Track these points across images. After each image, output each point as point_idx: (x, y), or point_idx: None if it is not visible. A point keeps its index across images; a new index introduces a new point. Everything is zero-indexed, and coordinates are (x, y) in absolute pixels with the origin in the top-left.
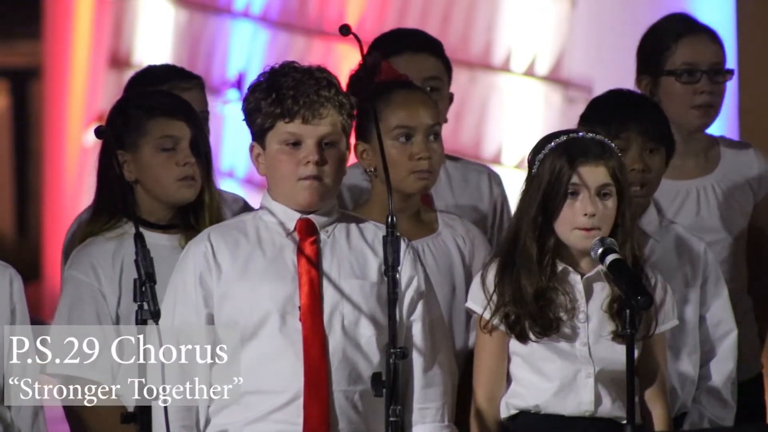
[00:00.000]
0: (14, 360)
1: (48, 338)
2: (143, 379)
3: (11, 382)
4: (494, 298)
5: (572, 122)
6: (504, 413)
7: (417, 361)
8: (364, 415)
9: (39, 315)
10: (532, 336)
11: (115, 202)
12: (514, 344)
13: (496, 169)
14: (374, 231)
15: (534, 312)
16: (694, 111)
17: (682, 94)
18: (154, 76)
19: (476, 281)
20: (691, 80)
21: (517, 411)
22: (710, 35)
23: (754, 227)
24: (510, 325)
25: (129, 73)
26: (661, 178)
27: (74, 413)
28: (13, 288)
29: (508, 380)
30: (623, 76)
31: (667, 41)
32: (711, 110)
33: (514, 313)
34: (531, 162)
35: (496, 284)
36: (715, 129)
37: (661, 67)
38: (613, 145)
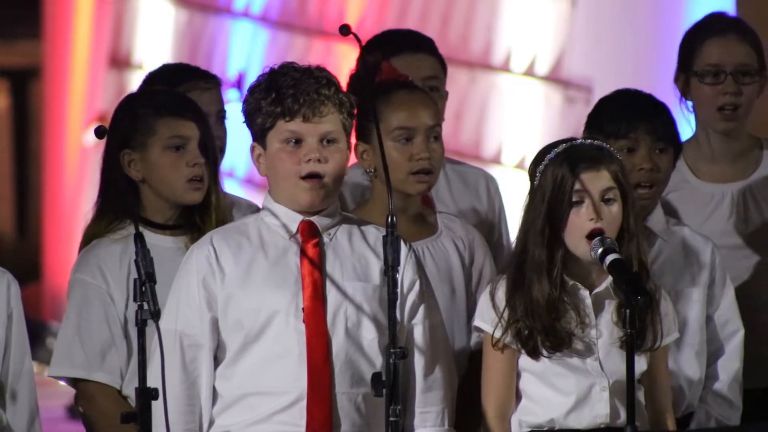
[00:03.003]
0: (11, 365)
1: (56, 341)
2: (143, 379)
3: (7, 386)
4: (505, 315)
5: (572, 122)
6: (515, 430)
7: (418, 365)
8: (367, 417)
9: (39, 315)
10: (544, 352)
11: (119, 202)
12: (525, 361)
13: (496, 169)
14: (376, 234)
15: (546, 325)
16: (718, 113)
17: (708, 95)
18: (172, 74)
19: (485, 299)
20: (715, 81)
21: (530, 429)
22: (740, 36)
23: None
24: (523, 340)
25: (129, 74)
26: (669, 179)
27: (83, 416)
28: (11, 293)
29: (518, 396)
30: (623, 76)
31: (696, 42)
32: (736, 112)
33: (526, 327)
34: (532, 174)
35: (507, 300)
36: None
37: (691, 67)
38: (612, 148)
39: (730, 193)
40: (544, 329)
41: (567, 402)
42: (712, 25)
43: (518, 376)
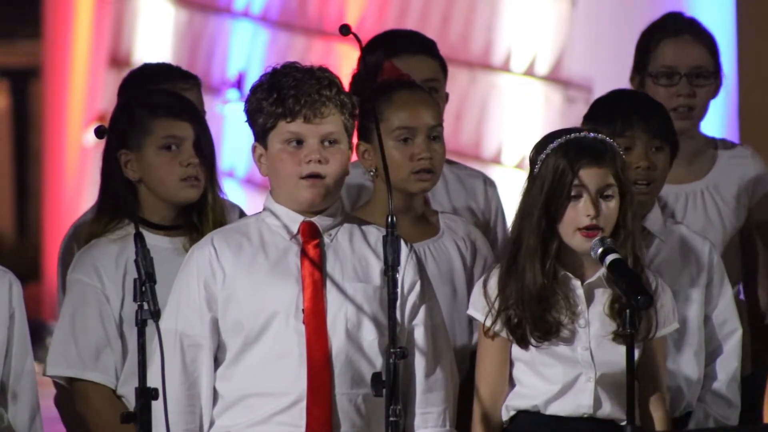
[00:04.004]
0: (12, 363)
1: (51, 340)
2: (143, 379)
3: (9, 386)
4: (496, 304)
5: (572, 122)
6: (504, 416)
7: (419, 365)
8: (367, 418)
9: (39, 315)
10: (532, 341)
11: (118, 202)
12: (516, 350)
13: (496, 169)
14: (377, 234)
15: (535, 315)
16: (671, 113)
17: (662, 96)
18: (152, 74)
19: (477, 288)
20: (670, 83)
21: (516, 411)
22: (696, 37)
23: (747, 230)
24: (512, 329)
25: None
26: (666, 177)
27: (77, 416)
28: (12, 293)
29: (512, 384)
30: (623, 76)
31: (651, 43)
32: (690, 113)
33: (516, 316)
34: (533, 161)
35: (500, 288)
36: (714, 130)
37: (645, 68)
38: (615, 144)
39: (683, 194)
40: (533, 318)
41: (552, 389)
42: (667, 26)
43: (512, 365)
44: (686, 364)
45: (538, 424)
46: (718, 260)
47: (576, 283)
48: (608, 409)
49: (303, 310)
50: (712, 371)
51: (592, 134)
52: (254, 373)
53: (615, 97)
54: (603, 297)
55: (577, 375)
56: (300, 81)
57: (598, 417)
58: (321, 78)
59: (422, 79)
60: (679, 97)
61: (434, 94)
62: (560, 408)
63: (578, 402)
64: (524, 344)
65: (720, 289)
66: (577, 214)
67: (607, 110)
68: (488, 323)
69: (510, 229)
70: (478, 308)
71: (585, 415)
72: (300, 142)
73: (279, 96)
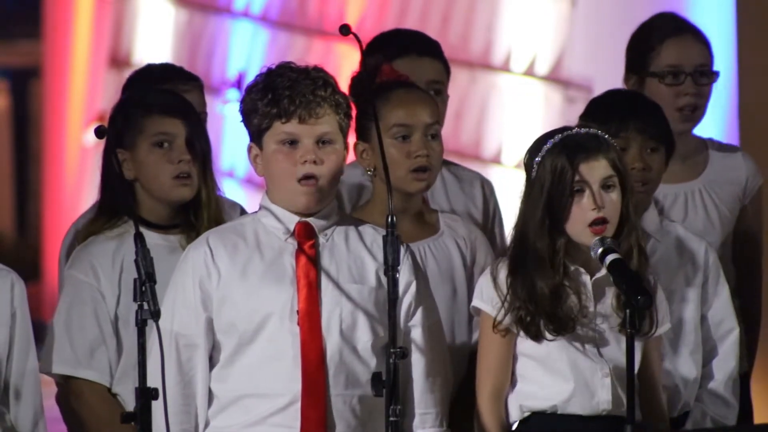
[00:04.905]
0: (14, 364)
1: (47, 338)
2: (143, 379)
3: (11, 385)
4: (508, 298)
5: (572, 122)
6: (516, 416)
7: (418, 366)
8: (362, 419)
9: (39, 315)
10: (547, 335)
11: (117, 201)
12: (524, 345)
13: (496, 169)
14: (373, 235)
15: (549, 311)
16: (677, 113)
17: (666, 95)
18: (153, 75)
19: (486, 280)
20: (675, 82)
21: (530, 412)
22: (696, 36)
23: (739, 230)
24: (525, 326)
25: (129, 73)
26: (661, 178)
27: (72, 413)
28: (14, 292)
29: (514, 380)
30: (623, 76)
31: (653, 42)
32: (695, 112)
33: (529, 313)
34: (528, 166)
35: (509, 285)
36: (714, 129)
37: (646, 68)
38: (607, 136)
39: (682, 193)
40: (546, 314)
41: (568, 387)
42: (667, 25)
43: (515, 359)
44: (683, 364)
45: (556, 424)
46: (714, 259)
47: (586, 278)
48: (625, 405)
49: (297, 311)
50: (709, 371)
51: (584, 130)
52: (249, 374)
53: (610, 97)
54: (610, 293)
55: (592, 371)
56: (295, 81)
57: (615, 414)
58: (316, 78)
59: (428, 80)
60: (686, 96)
61: (438, 95)
62: (580, 406)
63: (597, 399)
64: (538, 339)
65: (716, 288)
66: (583, 209)
67: (602, 111)
68: (499, 317)
69: (512, 232)
70: (486, 299)
71: (604, 413)
72: (295, 142)
73: (274, 96)
